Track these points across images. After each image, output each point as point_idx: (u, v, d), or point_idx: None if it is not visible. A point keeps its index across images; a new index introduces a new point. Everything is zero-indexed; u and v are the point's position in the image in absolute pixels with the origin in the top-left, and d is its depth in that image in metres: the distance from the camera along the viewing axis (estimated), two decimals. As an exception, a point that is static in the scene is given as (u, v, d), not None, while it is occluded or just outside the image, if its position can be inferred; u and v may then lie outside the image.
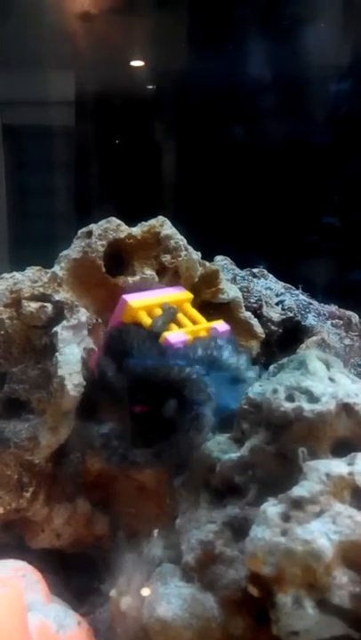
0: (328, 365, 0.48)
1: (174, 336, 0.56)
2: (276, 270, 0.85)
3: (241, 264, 0.85)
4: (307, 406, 0.44)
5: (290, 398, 0.45)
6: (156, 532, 0.54)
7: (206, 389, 0.51)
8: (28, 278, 0.62)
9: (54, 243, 0.67)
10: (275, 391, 0.46)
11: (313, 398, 0.44)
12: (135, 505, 0.61)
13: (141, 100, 1.31)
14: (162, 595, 0.45)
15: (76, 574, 0.61)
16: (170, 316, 0.59)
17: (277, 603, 0.38)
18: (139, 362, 0.53)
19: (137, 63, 1.30)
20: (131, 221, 0.66)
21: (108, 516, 0.62)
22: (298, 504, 0.39)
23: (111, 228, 0.63)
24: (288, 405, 0.44)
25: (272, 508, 0.40)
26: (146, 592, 0.47)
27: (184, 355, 0.54)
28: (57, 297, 0.61)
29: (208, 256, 0.70)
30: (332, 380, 0.46)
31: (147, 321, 0.58)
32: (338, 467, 0.41)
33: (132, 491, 0.61)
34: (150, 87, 1.33)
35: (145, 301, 0.59)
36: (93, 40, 1.25)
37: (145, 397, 0.52)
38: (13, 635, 0.43)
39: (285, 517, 0.39)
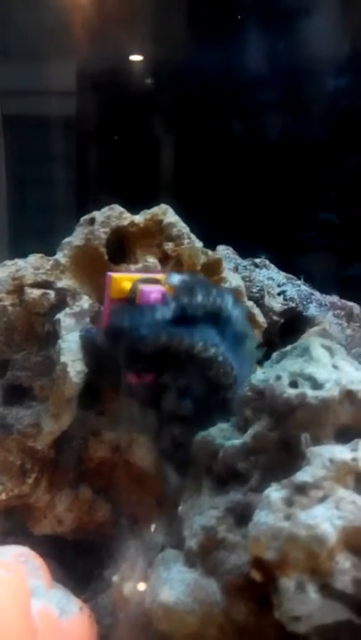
0: (331, 353, 0.48)
1: (149, 287, 0.55)
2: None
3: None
4: (310, 392, 0.44)
5: (293, 384, 0.45)
6: (157, 519, 0.55)
7: (232, 372, 0.50)
8: (31, 265, 0.62)
9: (55, 233, 0.67)
10: (278, 377, 0.46)
11: (317, 385, 0.44)
12: (137, 492, 0.61)
13: (142, 92, 1.30)
14: (165, 580, 0.45)
15: (78, 561, 0.61)
16: (152, 280, 0.57)
17: (280, 587, 0.38)
18: (154, 330, 0.49)
19: (136, 57, 1.30)
20: (132, 210, 0.66)
21: (109, 502, 0.62)
22: (301, 489, 0.39)
23: (114, 215, 0.63)
24: (291, 392, 0.44)
25: (275, 493, 0.40)
26: (149, 577, 0.47)
27: (182, 300, 0.51)
28: (59, 284, 0.61)
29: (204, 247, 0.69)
30: (335, 367, 0.46)
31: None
32: (341, 452, 0.41)
33: (133, 478, 0.61)
34: (151, 79, 1.32)
35: (131, 276, 0.59)
36: (94, 30, 1.24)
37: (159, 372, 0.50)
38: (17, 619, 0.43)
39: (289, 502, 0.39)
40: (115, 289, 0.58)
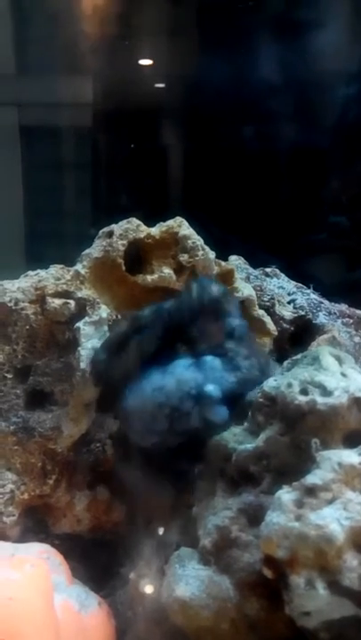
0: (340, 361, 0.50)
1: None
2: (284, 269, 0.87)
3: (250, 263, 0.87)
4: (320, 399, 0.46)
5: (304, 392, 0.47)
6: (171, 519, 0.57)
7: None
8: (52, 276, 0.64)
9: (70, 240, 0.69)
10: (289, 385, 0.48)
11: (326, 392, 0.46)
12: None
13: (156, 104, 1.33)
14: (180, 576, 0.47)
15: (97, 558, 0.63)
16: None
17: (290, 584, 0.40)
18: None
19: (149, 66, 1.33)
20: (147, 222, 0.68)
21: (125, 503, 0.64)
22: (311, 491, 0.41)
23: (131, 228, 0.65)
24: (302, 398, 0.46)
25: (286, 494, 0.42)
26: (164, 574, 0.49)
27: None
28: (79, 294, 0.63)
29: (218, 256, 0.72)
30: (344, 374, 0.48)
31: None
32: (349, 456, 0.43)
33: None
34: (163, 88, 1.35)
35: None
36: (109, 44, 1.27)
37: None
38: (41, 611, 0.45)
39: (299, 504, 0.41)
40: None
